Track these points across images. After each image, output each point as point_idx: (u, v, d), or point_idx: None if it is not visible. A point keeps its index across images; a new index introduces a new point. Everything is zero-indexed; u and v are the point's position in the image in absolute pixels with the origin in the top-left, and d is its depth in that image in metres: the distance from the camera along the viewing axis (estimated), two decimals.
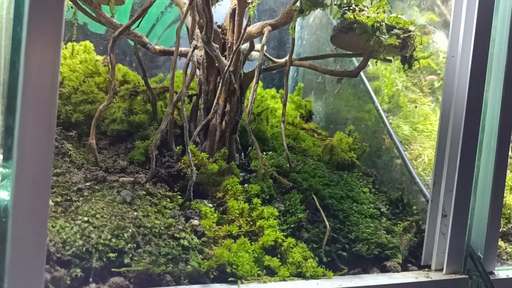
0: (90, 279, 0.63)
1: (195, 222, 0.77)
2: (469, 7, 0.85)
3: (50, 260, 0.61)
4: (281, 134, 1.01)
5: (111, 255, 0.65)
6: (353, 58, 1.17)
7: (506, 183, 0.92)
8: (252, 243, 0.77)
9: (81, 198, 0.72)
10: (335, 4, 0.88)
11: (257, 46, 1.01)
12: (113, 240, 0.66)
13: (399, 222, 0.96)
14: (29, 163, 0.52)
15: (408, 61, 0.91)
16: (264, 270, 0.74)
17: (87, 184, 0.76)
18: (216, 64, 0.93)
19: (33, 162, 0.52)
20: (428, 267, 0.87)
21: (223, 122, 0.94)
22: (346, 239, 0.87)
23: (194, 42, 0.90)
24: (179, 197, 0.82)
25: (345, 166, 1.12)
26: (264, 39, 0.92)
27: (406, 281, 0.80)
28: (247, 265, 0.72)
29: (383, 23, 0.85)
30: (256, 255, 0.75)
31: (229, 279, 0.70)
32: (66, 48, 1.12)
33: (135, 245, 0.68)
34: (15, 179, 0.52)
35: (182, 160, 0.87)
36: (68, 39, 1.12)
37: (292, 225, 0.84)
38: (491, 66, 0.89)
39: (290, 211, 0.86)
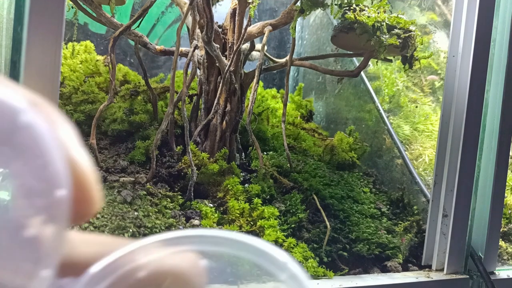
0: None
1: (196, 222, 0.77)
2: (470, 7, 0.85)
3: None
4: (281, 134, 1.01)
5: None
6: (354, 58, 1.17)
7: (507, 183, 0.92)
8: None
9: None
10: (335, 4, 0.88)
11: (258, 46, 1.01)
12: None
13: (400, 222, 0.96)
14: None
15: (408, 61, 0.91)
16: None
17: None
18: (217, 64, 0.93)
19: None
20: (428, 267, 0.87)
21: (224, 122, 0.94)
22: (346, 239, 0.87)
23: (195, 42, 0.90)
24: (180, 197, 0.82)
25: (345, 166, 1.12)
26: (264, 39, 0.93)
27: (407, 281, 0.80)
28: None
29: (384, 23, 0.85)
30: None
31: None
32: (66, 48, 1.12)
33: None
34: None
35: (183, 160, 0.87)
36: (68, 39, 1.12)
37: (293, 225, 0.84)
38: (491, 66, 0.89)
39: (291, 211, 0.86)
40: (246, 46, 0.99)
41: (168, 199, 0.80)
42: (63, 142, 0.27)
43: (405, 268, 0.87)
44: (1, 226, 0.25)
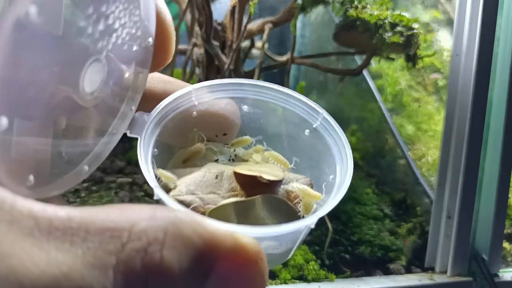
0: None
1: None
2: (474, 4, 0.83)
3: None
4: None
5: None
6: (356, 57, 1.16)
7: (511, 184, 0.90)
8: None
9: (78, 199, 0.71)
10: (337, 2, 0.86)
11: (258, 43, 0.99)
12: None
13: (403, 223, 0.95)
14: None
15: (412, 60, 0.89)
16: None
17: (84, 185, 0.75)
18: (216, 63, 0.91)
19: None
20: (432, 269, 0.86)
21: None
22: (348, 241, 0.85)
23: (194, 40, 0.89)
24: None
25: None
26: (265, 36, 0.91)
27: (410, 284, 0.79)
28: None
29: (386, 21, 0.84)
30: None
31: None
32: None
33: None
34: None
35: None
36: None
37: None
38: (495, 64, 0.88)
39: None
40: (246, 44, 0.97)
41: None
42: None
43: (408, 271, 0.85)
44: (109, 74, 0.30)
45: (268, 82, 0.38)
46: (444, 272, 0.84)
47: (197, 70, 0.97)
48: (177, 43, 0.84)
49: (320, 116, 0.38)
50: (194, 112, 0.36)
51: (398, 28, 0.85)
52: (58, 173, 0.29)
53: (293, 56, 0.94)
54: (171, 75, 0.84)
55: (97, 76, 0.29)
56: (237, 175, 0.34)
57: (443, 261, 0.84)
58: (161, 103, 0.34)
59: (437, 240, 0.86)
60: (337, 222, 0.88)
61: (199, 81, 0.95)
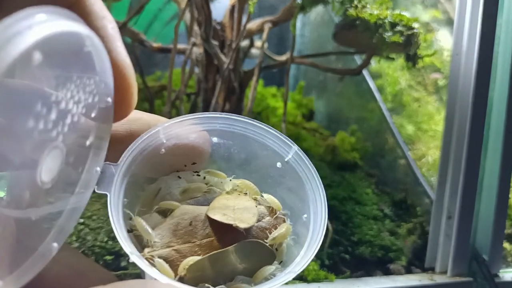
0: None
1: None
2: (474, 4, 0.83)
3: None
4: None
5: (108, 257, 0.64)
6: (356, 56, 1.15)
7: (511, 184, 0.90)
8: None
9: None
10: (337, 1, 0.86)
11: (257, 43, 0.99)
12: (110, 242, 0.65)
13: (403, 223, 0.95)
14: None
15: (412, 59, 0.89)
16: None
17: None
18: (215, 62, 0.91)
19: None
20: (432, 269, 0.86)
21: None
22: (348, 241, 0.85)
23: (193, 39, 0.88)
24: None
25: (347, 166, 1.10)
26: (264, 36, 0.91)
27: (410, 284, 0.79)
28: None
29: (386, 20, 0.84)
30: None
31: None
32: None
33: None
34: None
35: None
36: None
37: None
38: (496, 64, 0.87)
39: None
40: (245, 43, 0.97)
41: None
42: (110, 43, 0.31)
43: (408, 271, 0.85)
44: (68, 152, 0.29)
45: (238, 115, 0.39)
46: (444, 272, 0.84)
47: (196, 70, 0.97)
48: (176, 42, 0.83)
49: (292, 151, 0.38)
50: (163, 149, 0.36)
51: (398, 28, 0.84)
52: (25, 254, 0.27)
53: (292, 55, 0.94)
54: (170, 75, 0.83)
55: (56, 161, 0.28)
56: (211, 221, 0.34)
57: (443, 261, 0.84)
58: (127, 149, 0.33)
59: (437, 240, 0.85)
60: (337, 222, 0.87)
61: (198, 80, 0.95)
